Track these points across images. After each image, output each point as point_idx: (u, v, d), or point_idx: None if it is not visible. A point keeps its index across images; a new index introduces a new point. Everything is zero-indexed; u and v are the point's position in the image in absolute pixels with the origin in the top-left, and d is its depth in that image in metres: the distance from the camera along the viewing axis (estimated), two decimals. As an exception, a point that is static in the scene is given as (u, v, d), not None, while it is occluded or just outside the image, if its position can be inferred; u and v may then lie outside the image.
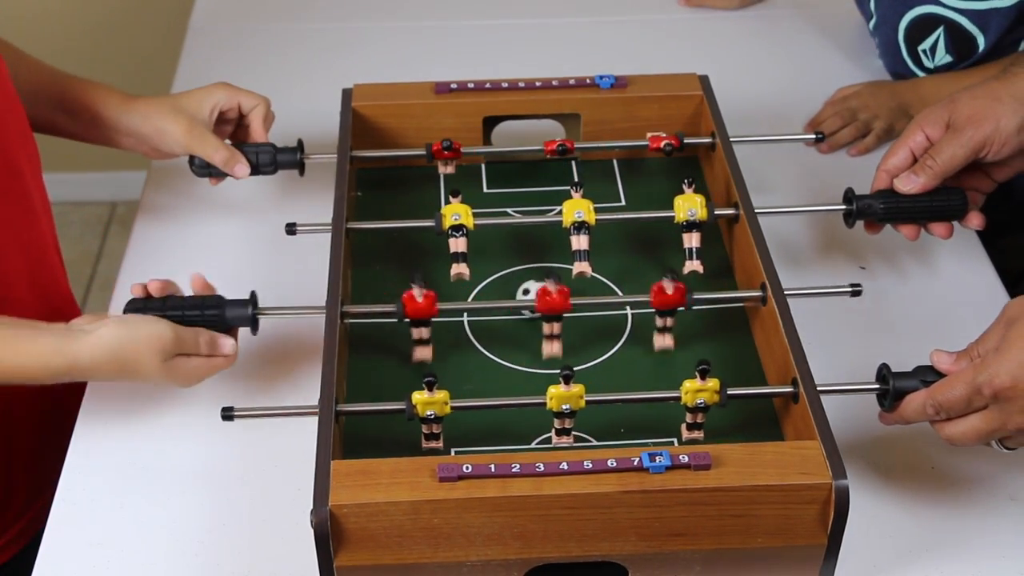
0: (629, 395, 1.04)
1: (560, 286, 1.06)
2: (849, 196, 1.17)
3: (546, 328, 1.08)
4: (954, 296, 1.24)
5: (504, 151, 1.32)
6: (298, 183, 1.32)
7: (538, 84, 1.31)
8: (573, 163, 1.33)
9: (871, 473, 1.07)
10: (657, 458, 0.91)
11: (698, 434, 1.03)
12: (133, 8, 2.53)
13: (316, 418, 0.98)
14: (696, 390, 1.00)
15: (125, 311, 1.06)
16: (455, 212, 1.15)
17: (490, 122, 1.32)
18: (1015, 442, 0.97)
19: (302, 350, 1.16)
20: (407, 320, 1.06)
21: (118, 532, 1.03)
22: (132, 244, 1.31)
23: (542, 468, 0.91)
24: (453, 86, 1.30)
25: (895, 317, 1.22)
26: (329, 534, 0.90)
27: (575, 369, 1.10)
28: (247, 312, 1.07)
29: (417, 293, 1.05)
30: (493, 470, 0.91)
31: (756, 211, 1.16)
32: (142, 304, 1.06)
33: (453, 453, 1.03)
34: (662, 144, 1.26)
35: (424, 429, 1.01)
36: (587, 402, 1.00)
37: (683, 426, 1.03)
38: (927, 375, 0.99)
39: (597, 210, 1.16)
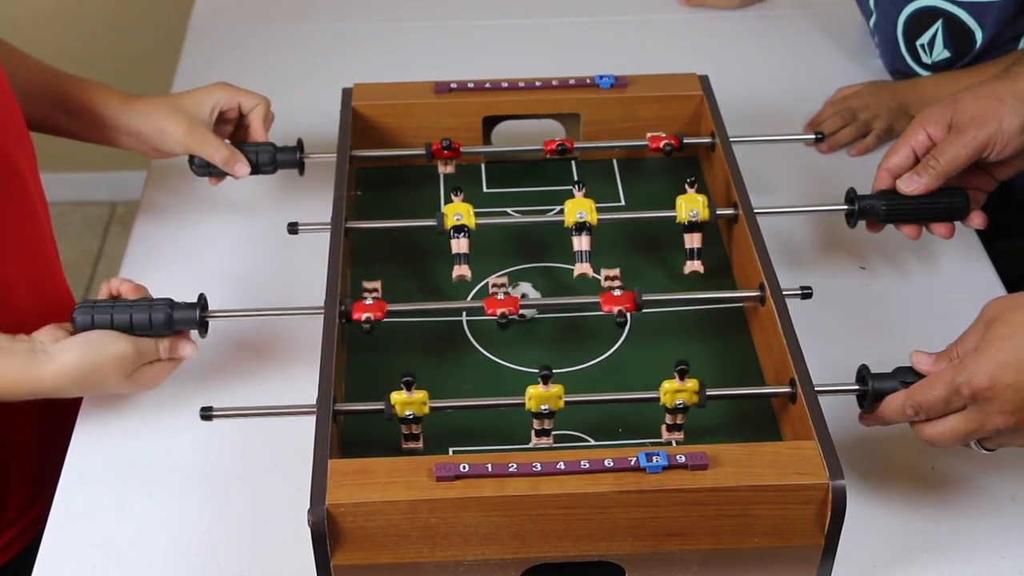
0: (608, 395, 1.04)
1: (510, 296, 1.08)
2: (851, 196, 1.17)
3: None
4: (954, 296, 1.24)
5: (504, 151, 1.32)
6: (298, 183, 1.32)
7: (538, 84, 1.31)
8: (573, 163, 1.33)
9: (870, 473, 1.07)
10: (654, 458, 0.91)
11: (678, 435, 1.03)
12: (133, 8, 2.53)
13: (315, 417, 0.98)
14: (675, 391, 1.00)
15: (74, 314, 1.05)
16: (457, 212, 1.15)
17: (490, 122, 1.32)
18: (994, 443, 0.97)
19: (301, 349, 1.16)
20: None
21: (118, 532, 1.03)
22: (132, 244, 1.31)
23: (539, 468, 0.91)
24: (453, 86, 1.30)
25: (895, 317, 1.22)
26: (326, 533, 0.90)
27: (575, 369, 1.11)
28: (195, 315, 1.07)
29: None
30: (490, 470, 0.91)
31: (756, 211, 1.16)
32: (91, 308, 1.06)
33: (451, 452, 1.03)
34: (662, 144, 1.26)
35: (403, 429, 1.01)
36: (566, 402, 1.00)
37: (663, 427, 1.03)
38: (906, 376, 0.99)
39: (599, 210, 1.16)
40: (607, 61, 1.44)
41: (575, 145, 1.27)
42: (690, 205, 1.16)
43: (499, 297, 1.08)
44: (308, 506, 0.90)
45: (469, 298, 1.18)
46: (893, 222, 1.16)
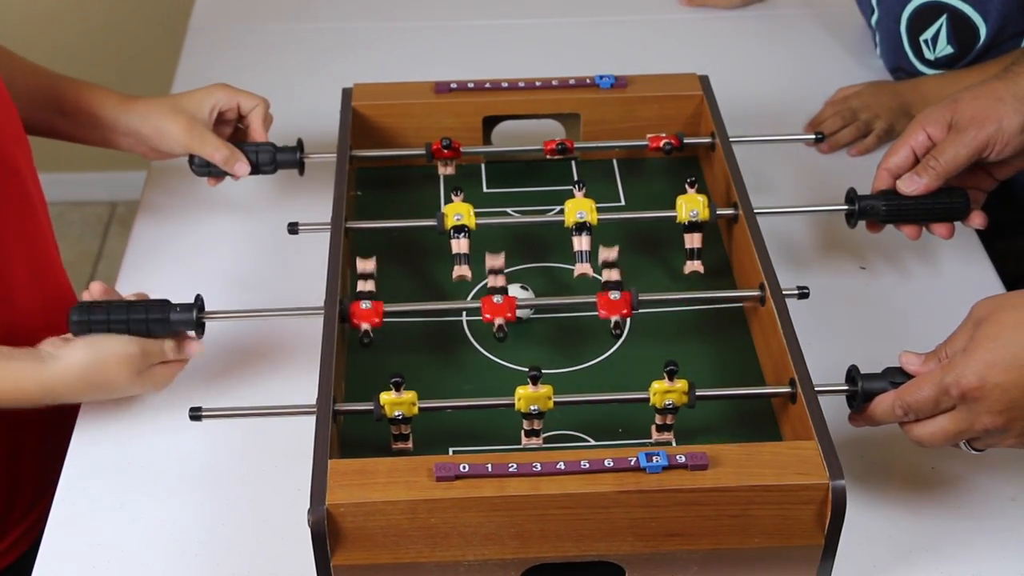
0: (597, 396, 1.04)
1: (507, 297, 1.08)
2: (852, 196, 1.17)
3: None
4: (954, 296, 1.24)
5: (504, 151, 1.32)
6: (298, 183, 1.32)
7: (538, 84, 1.31)
8: (573, 163, 1.33)
9: (870, 473, 1.07)
10: (654, 458, 0.91)
11: (668, 435, 1.03)
12: (133, 8, 2.53)
13: (315, 417, 0.98)
14: (664, 391, 1.00)
15: (71, 320, 1.06)
16: (457, 212, 1.15)
17: (490, 122, 1.32)
18: (983, 443, 0.97)
19: (301, 349, 1.16)
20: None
21: (118, 532, 1.03)
22: (132, 244, 1.31)
23: (539, 468, 0.91)
24: (453, 86, 1.30)
25: (895, 317, 1.22)
26: (326, 533, 0.90)
27: (574, 369, 1.11)
28: (191, 316, 1.07)
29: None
30: (490, 470, 0.91)
31: (756, 211, 1.16)
32: (87, 312, 1.06)
33: (451, 452, 1.03)
34: (662, 144, 1.26)
35: (393, 430, 1.01)
36: (556, 403, 1.00)
37: (653, 427, 1.03)
38: (896, 376, 0.99)
39: (599, 209, 1.16)
40: (607, 61, 1.44)
41: (575, 145, 1.27)
42: (690, 205, 1.16)
43: (495, 299, 1.07)
44: (308, 506, 0.90)
45: (469, 298, 1.18)
46: (893, 222, 1.16)
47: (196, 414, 1.01)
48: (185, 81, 1.52)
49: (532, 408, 0.99)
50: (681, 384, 1.00)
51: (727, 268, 1.21)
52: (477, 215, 1.16)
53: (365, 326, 1.06)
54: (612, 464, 0.91)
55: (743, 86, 1.50)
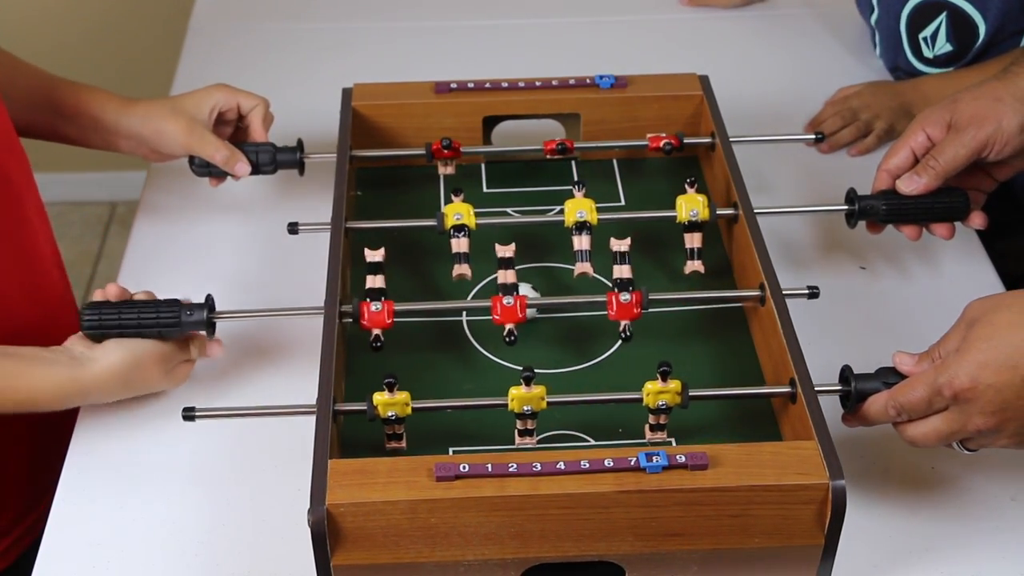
0: (591, 396, 1.04)
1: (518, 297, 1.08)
2: (851, 197, 1.17)
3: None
4: (954, 296, 1.23)
5: (504, 151, 1.32)
6: (298, 183, 1.32)
7: (538, 84, 1.31)
8: (573, 163, 1.33)
9: (870, 473, 1.07)
10: (654, 458, 0.91)
11: (661, 435, 1.03)
12: (133, 8, 2.53)
13: (315, 417, 0.98)
14: (658, 392, 1.00)
15: (82, 319, 1.06)
16: (457, 212, 1.15)
17: (490, 122, 1.32)
18: (976, 444, 0.97)
19: (301, 349, 1.16)
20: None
21: (118, 532, 1.03)
22: (132, 244, 1.31)
23: (539, 468, 0.91)
24: (453, 86, 1.30)
25: (895, 317, 1.22)
26: (326, 533, 0.90)
27: (574, 369, 1.11)
28: (202, 316, 1.08)
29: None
30: (490, 470, 0.91)
31: (756, 211, 1.16)
32: (97, 311, 1.06)
33: (451, 452, 1.03)
34: (662, 144, 1.26)
35: (386, 430, 1.01)
36: (549, 403, 1.00)
37: (646, 427, 1.03)
38: (889, 377, 0.99)
39: (599, 209, 1.16)
40: (607, 61, 1.44)
41: (575, 145, 1.27)
42: (690, 205, 1.16)
43: (506, 301, 1.07)
44: (308, 506, 0.90)
45: (470, 298, 1.18)
46: (893, 222, 1.16)
47: (189, 414, 1.01)
48: (185, 81, 1.52)
49: (525, 408, 0.99)
50: (674, 385, 1.00)
51: (727, 268, 1.21)
52: (477, 215, 1.16)
53: (376, 331, 1.06)
54: (612, 464, 0.91)
55: (743, 86, 1.50)
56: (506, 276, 1.11)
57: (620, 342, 1.13)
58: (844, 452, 0.96)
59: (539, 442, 1.04)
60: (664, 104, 1.31)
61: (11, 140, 1.17)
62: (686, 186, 1.18)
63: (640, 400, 1.01)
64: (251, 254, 1.29)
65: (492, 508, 0.91)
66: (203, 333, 1.10)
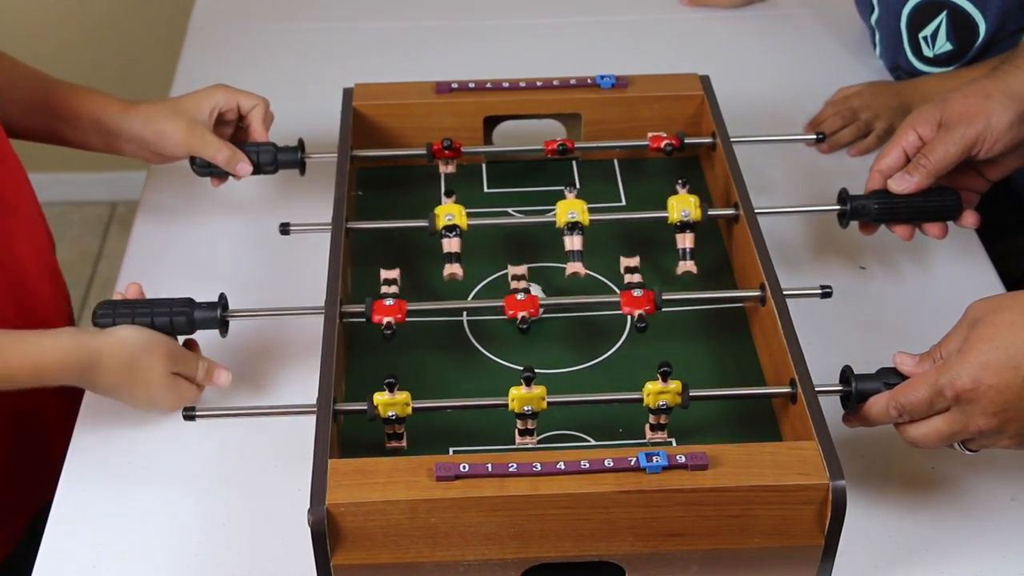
0: (592, 396, 1.04)
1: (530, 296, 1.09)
2: (843, 196, 1.18)
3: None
4: (955, 297, 1.23)
5: (505, 151, 1.32)
6: (298, 183, 1.32)
7: (539, 84, 1.31)
8: (574, 163, 1.33)
9: (870, 473, 1.07)
10: (654, 458, 0.91)
11: (661, 435, 1.03)
12: (132, 9, 2.53)
13: (315, 417, 0.98)
14: (658, 392, 1.00)
15: (95, 316, 1.07)
16: (448, 212, 1.15)
17: (491, 122, 1.32)
18: (977, 444, 0.97)
19: (301, 349, 1.16)
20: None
21: (118, 532, 1.03)
22: (132, 244, 1.31)
23: (539, 468, 0.91)
24: (454, 86, 1.30)
25: (895, 317, 1.22)
26: (326, 533, 0.90)
27: (575, 369, 1.11)
28: (215, 315, 1.08)
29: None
30: (490, 469, 0.91)
31: (757, 211, 1.16)
32: (111, 308, 1.07)
33: (451, 452, 1.03)
34: (663, 144, 1.26)
35: (386, 430, 1.02)
36: (549, 403, 1.00)
37: (647, 427, 1.03)
38: (890, 377, 0.99)
39: (596, 210, 1.17)
40: (607, 61, 1.44)
41: (576, 145, 1.27)
42: (681, 205, 1.16)
43: (519, 297, 1.08)
44: (308, 506, 0.90)
45: (470, 298, 1.18)
46: (885, 222, 1.17)
47: (189, 414, 1.01)
48: (185, 81, 1.52)
49: (526, 408, 0.99)
50: (675, 385, 1.00)
51: (727, 268, 1.21)
52: (477, 215, 1.16)
53: (388, 319, 1.06)
54: (612, 464, 0.91)
55: (743, 86, 1.50)
56: (518, 285, 1.12)
57: (620, 343, 1.13)
58: (844, 452, 0.96)
59: (539, 442, 1.04)
60: (665, 104, 1.31)
61: (3, 152, 1.16)
62: (677, 187, 1.18)
63: (640, 400, 1.01)
64: (251, 254, 1.29)
65: (492, 508, 0.91)
66: (213, 360, 1.10)
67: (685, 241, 1.16)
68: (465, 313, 1.16)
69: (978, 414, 0.93)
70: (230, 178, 1.27)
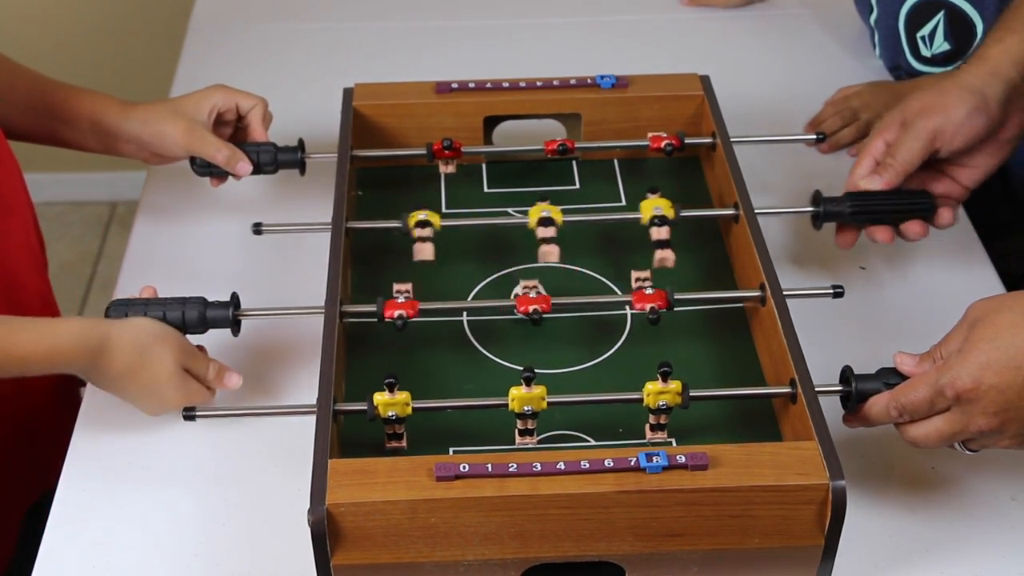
0: (591, 396, 1.04)
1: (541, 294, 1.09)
2: (817, 198, 1.18)
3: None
4: (955, 297, 1.23)
5: (505, 151, 1.32)
6: (298, 183, 1.32)
7: (539, 84, 1.31)
8: (574, 163, 1.33)
9: (870, 473, 1.07)
10: (654, 458, 0.91)
11: (661, 435, 1.03)
12: (132, 9, 2.53)
13: (315, 417, 0.98)
14: (658, 392, 1.00)
15: (108, 312, 1.07)
16: (422, 213, 1.17)
17: (491, 122, 1.32)
18: (978, 444, 0.97)
19: (301, 349, 1.16)
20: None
21: (118, 532, 1.03)
22: (132, 244, 1.31)
23: (539, 468, 0.91)
24: (454, 86, 1.30)
25: (895, 318, 1.22)
26: (326, 533, 0.90)
27: (575, 369, 1.11)
28: (228, 314, 1.08)
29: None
30: (490, 470, 0.91)
31: (757, 211, 1.16)
32: (125, 304, 1.07)
33: (451, 452, 1.03)
34: (663, 144, 1.26)
35: (387, 429, 1.02)
36: (549, 403, 1.00)
37: (647, 427, 1.03)
38: (890, 377, 0.99)
39: (595, 210, 1.17)
40: (607, 61, 1.44)
41: (576, 145, 1.27)
42: (653, 204, 1.17)
43: (531, 295, 1.09)
44: (308, 506, 0.90)
45: (470, 298, 1.18)
46: (860, 223, 1.17)
47: (189, 414, 1.02)
48: (185, 81, 1.52)
49: (526, 408, 0.99)
50: (675, 385, 1.00)
51: (727, 268, 1.21)
52: (478, 215, 1.16)
53: (399, 312, 1.07)
54: (612, 464, 0.92)
55: (743, 86, 1.50)
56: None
57: (620, 343, 1.13)
58: (844, 452, 0.96)
59: (539, 442, 1.04)
60: (665, 104, 1.31)
61: None
62: (648, 193, 1.18)
63: (640, 400, 1.01)
64: (251, 254, 1.29)
65: (492, 508, 0.91)
66: (224, 363, 1.10)
67: (660, 233, 1.16)
68: (465, 313, 1.16)
69: (979, 414, 0.93)
70: (230, 178, 1.27)
